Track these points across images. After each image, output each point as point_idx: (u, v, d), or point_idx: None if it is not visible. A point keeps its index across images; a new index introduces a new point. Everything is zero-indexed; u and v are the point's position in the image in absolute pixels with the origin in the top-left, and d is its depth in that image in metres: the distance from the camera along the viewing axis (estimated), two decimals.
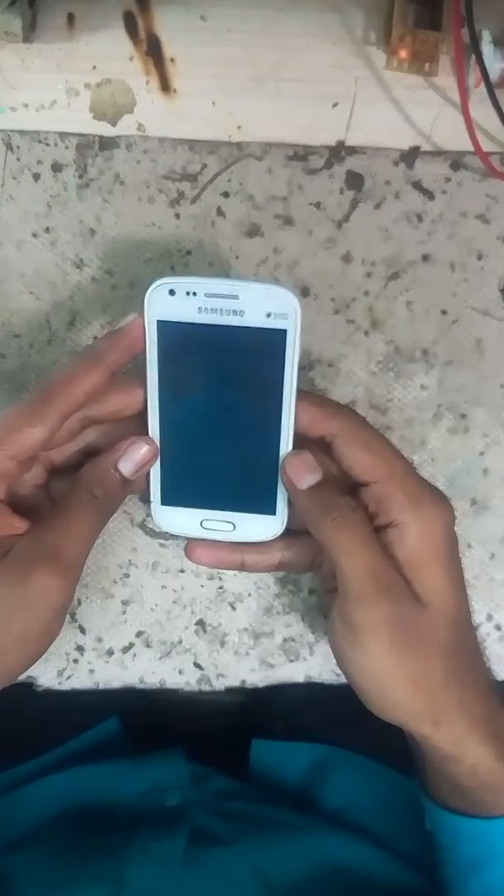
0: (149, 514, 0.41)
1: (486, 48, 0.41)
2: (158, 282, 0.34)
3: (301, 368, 0.43)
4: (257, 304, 0.34)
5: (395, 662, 0.35)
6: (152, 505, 0.39)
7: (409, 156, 0.43)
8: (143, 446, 0.37)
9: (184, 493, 0.39)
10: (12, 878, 0.45)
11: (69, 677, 0.44)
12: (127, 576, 0.44)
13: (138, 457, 0.37)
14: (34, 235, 0.43)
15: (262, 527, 0.39)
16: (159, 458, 0.38)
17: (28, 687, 0.45)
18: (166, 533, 0.40)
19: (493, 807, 0.38)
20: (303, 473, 0.37)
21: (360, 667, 0.36)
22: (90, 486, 0.37)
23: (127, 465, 0.37)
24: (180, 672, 0.43)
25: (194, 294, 0.34)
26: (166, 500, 0.39)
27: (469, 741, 0.37)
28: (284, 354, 0.35)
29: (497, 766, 0.37)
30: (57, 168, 0.43)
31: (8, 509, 0.37)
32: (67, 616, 0.42)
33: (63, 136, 0.43)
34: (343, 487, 0.37)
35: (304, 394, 0.36)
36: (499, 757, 0.37)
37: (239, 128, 0.43)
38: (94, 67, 0.42)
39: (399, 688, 0.36)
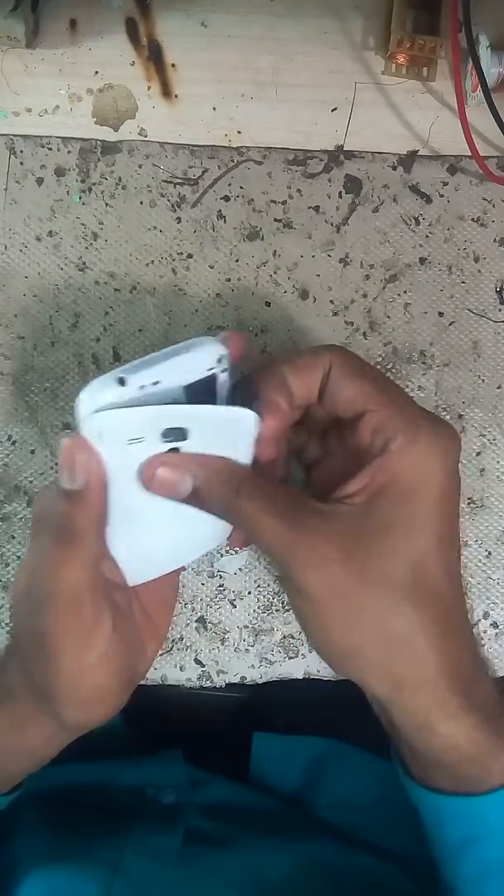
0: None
1: (483, 53, 0.41)
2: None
3: None
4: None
5: (343, 601, 0.31)
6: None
7: (407, 160, 0.44)
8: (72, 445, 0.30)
9: None
10: (12, 859, 0.45)
11: None
12: None
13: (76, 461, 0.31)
14: (38, 239, 0.43)
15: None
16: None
17: None
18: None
19: (479, 781, 0.33)
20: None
21: (304, 604, 0.32)
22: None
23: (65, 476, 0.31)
24: (181, 668, 0.44)
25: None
26: None
27: (440, 710, 0.32)
28: None
29: (477, 735, 0.32)
30: (60, 172, 0.43)
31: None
32: None
33: (66, 140, 0.43)
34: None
35: (281, 368, 0.33)
36: (478, 726, 0.32)
37: (239, 132, 0.44)
38: (97, 73, 0.43)
39: (348, 636, 0.31)
